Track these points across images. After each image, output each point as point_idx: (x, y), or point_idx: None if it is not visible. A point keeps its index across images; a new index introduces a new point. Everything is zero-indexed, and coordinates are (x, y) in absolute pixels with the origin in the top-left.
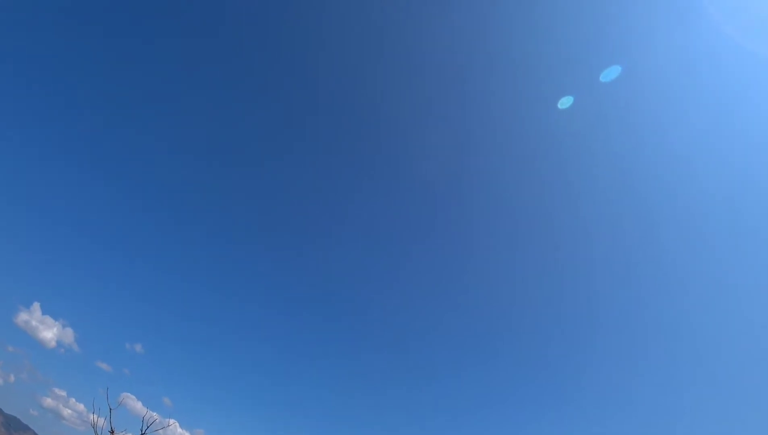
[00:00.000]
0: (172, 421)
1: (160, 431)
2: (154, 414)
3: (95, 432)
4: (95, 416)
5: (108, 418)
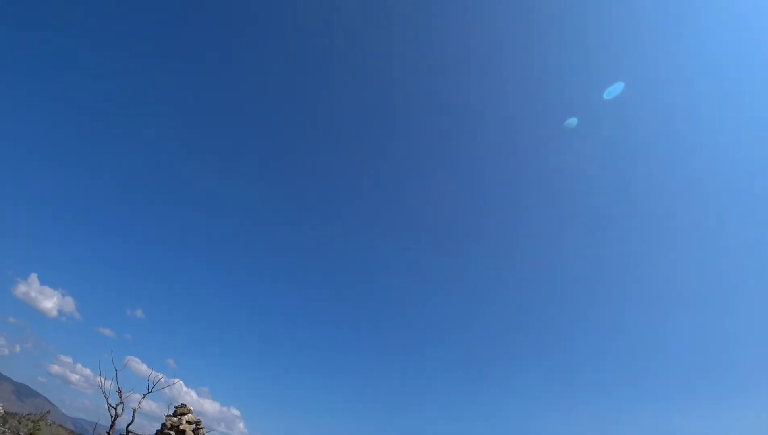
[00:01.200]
0: (176, 380)
1: (166, 389)
2: (159, 374)
3: (104, 393)
4: (102, 379)
5: (115, 379)
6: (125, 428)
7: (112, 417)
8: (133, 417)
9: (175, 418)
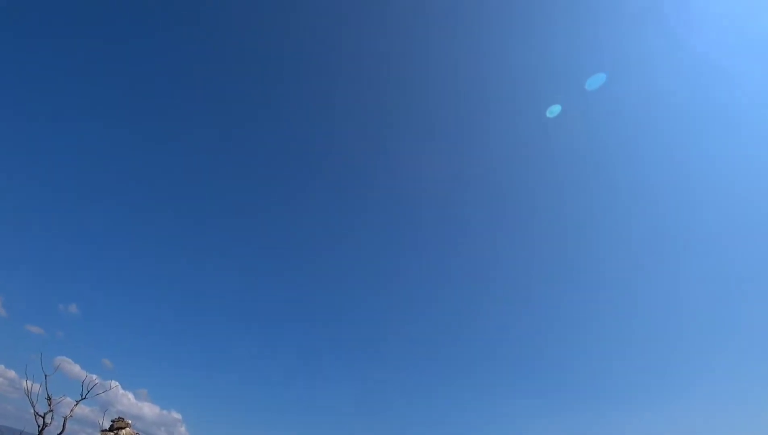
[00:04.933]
0: (114, 383)
1: (102, 394)
2: (94, 376)
3: (30, 400)
4: (29, 383)
5: (44, 384)
6: None
7: (39, 426)
8: (63, 426)
9: (111, 433)
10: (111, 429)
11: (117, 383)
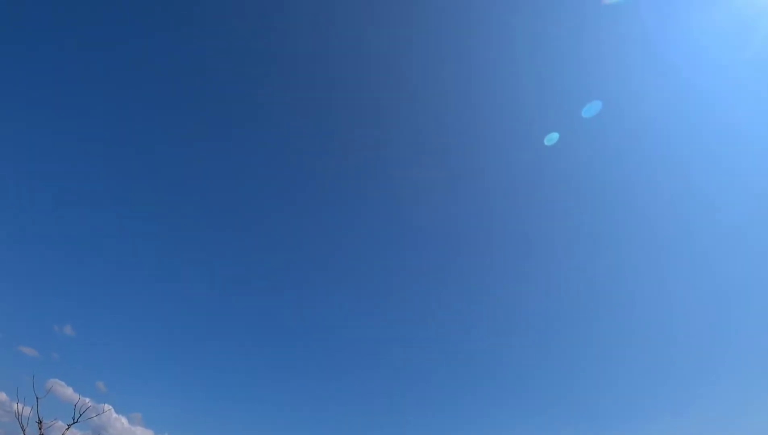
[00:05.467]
0: (107, 406)
1: (95, 418)
2: (87, 400)
3: (21, 424)
4: (20, 406)
5: (35, 407)
6: None
7: None
8: None
9: None
10: None
11: (110, 407)
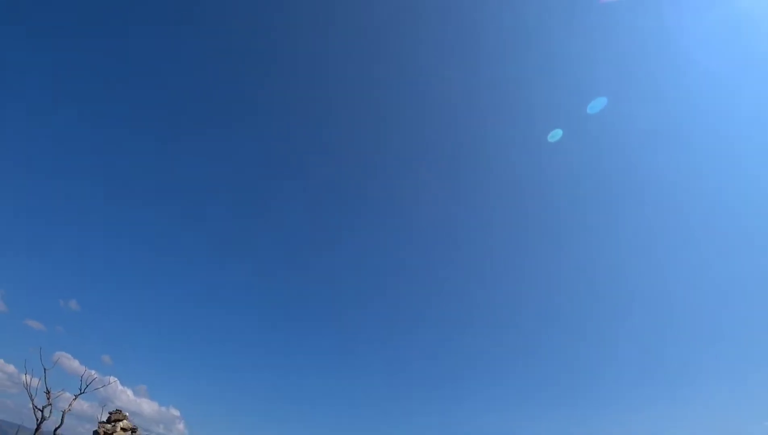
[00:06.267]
0: (112, 378)
1: (101, 389)
2: (93, 372)
3: (29, 394)
4: (28, 377)
5: (43, 378)
6: (53, 432)
7: (37, 420)
8: (62, 420)
9: (109, 425)
10: (108, 421)
11: (116, 379)
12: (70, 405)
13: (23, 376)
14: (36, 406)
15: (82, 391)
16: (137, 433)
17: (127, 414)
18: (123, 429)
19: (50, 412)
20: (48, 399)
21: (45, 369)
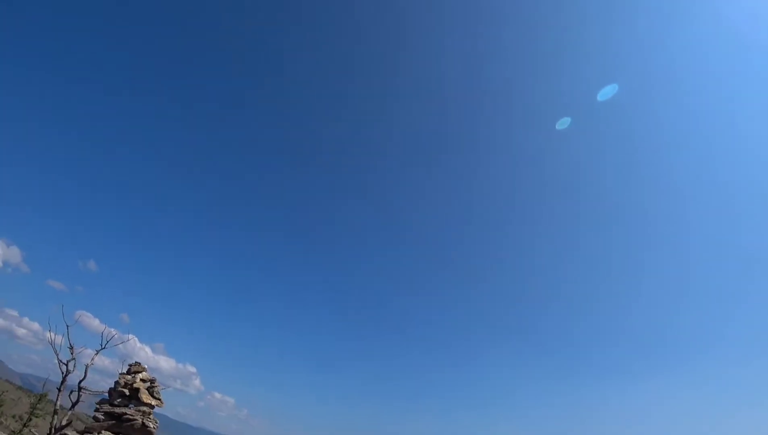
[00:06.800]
0: (131, 336)
1: (120, 346)
2: (113, 330)
3: (54, 349)
4: (52, 334)
5: (66, 334)
6: (77, 384)
7: (62, 373)
8: (85, 373)
9: (129, 376)
10: (128, 372)
11: (134, 336)
12: (92, 359)
13: (47, 333)
14: (61, 360)
15: (103, 347)
16: (155, 383)
17: (146, 366)
18: (142, 380)
19: (74, 366)
20: (72, 354)
21: (67, 326)
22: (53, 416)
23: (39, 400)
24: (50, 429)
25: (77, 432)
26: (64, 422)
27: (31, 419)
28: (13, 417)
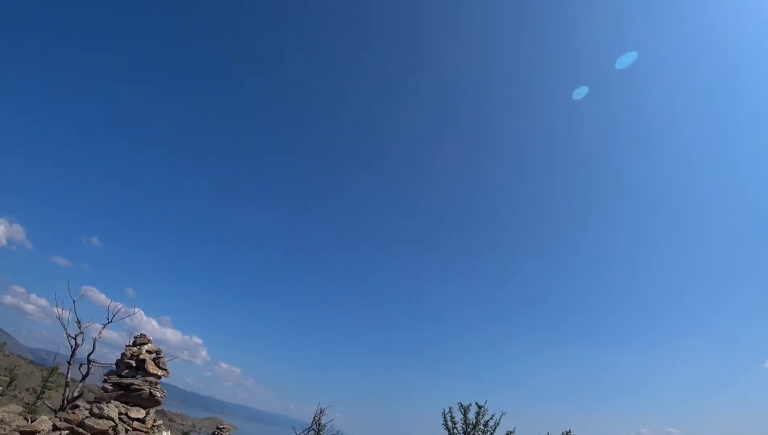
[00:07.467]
0: (137, 309)
1: (127, 319)
2: (119, 304)
3: (62, 324)
4: (59, 309)
5: (73, 309)
6: (86, 357)
7: (72, 347)
8: (93, 346)
9: (135, 348)
10: (134, 344)
11: (140, 310)
12: (99, 333)
13: (55, 309)
14: (69, 334)
15: (109, 320)
16: (161, 355)
17: (152, 338)
18: (148, 351)
19: (83, 340)
20: (80, 328)
21: (74, 301)
22: (65, 388)
23: (50, 373)
24: (63, 400)
25: (88, 402)
26: (75, 394)
27: (44, 392)
28: (27, 390)
